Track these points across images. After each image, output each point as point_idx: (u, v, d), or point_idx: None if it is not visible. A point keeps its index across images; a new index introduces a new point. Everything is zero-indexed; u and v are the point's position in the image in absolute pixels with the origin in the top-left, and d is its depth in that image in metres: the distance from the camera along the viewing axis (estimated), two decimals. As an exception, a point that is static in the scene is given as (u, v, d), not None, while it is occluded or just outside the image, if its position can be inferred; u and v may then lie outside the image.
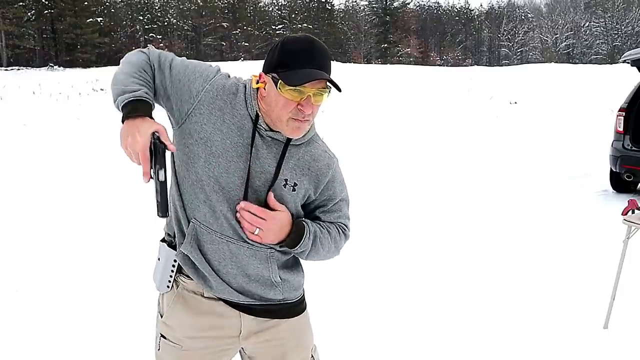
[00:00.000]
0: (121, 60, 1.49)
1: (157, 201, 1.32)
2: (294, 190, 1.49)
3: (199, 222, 1.47)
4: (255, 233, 1.43)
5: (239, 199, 1.44)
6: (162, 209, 1.32)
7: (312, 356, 1.67)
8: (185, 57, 1.52)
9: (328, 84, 1.38)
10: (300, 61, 1.34)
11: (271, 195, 1.44)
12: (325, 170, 1.53)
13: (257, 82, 1.43)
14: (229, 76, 1.51)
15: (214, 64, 1.58)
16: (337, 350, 2.77)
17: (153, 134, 1.30)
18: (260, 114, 1.44)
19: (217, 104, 1.43)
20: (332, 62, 1.42)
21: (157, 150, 1.30)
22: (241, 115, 1.44)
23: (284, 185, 1.47)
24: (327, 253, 1.57)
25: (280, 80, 1.34)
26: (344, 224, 1.61)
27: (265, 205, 1.46)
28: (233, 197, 1.44)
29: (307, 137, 1.50)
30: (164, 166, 1.30)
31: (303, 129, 1.41)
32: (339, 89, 1.37)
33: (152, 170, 1.29)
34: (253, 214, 1.42)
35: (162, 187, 1.31)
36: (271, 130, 1.44)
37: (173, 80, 1.45)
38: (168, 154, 1.35)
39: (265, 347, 1.59)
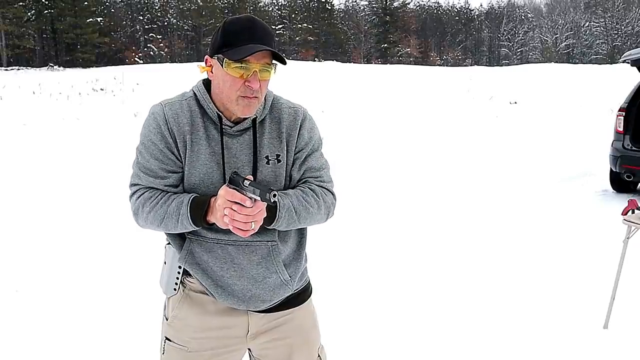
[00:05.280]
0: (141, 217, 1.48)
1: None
2: (279, 161, 1.50)
3: (194, 235, 1.49)
4: (252, 227, 1.33)
5: None
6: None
7: (319, 356, 1.66)
8: (140, 153, 1.49)
9: (274, 60, 1.40)
10: (243, 38, 1.37)
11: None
12: (293, 124, 1.52)
13: (204, 68, 1.46)
14: (158, 108, 1.48)
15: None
16: (343, 351, 2.77)
17: (227, 184, 1.35)
18: (219, 113, 1.45)
19: (188, 138, 1.45)
20: (275, 40, 1.43)
21: (239, 183, 1.32)
22: (204, 127, 1.45)
23: (267, 163, 1.48)
24: (312, 220, 1.51)
25: (225, 59, 1.37)
26: (326, 188, 1.54)
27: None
28: None
29: (266, 107, 1.50)
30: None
31: (254, 106, 1.42)
32: (284, 62, 1.40)
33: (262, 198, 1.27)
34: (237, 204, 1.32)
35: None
36: (235, 124, 1.46)
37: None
38: None
39: (272, 347, 1.58)
